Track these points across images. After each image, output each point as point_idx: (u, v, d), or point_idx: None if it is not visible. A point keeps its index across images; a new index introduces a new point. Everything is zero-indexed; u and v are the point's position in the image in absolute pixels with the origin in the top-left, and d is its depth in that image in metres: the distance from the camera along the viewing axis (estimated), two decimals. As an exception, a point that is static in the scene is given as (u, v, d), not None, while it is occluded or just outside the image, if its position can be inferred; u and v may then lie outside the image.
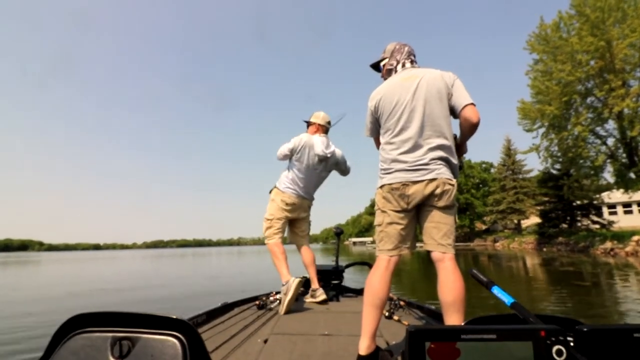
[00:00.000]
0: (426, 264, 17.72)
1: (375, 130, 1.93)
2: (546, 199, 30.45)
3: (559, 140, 20.25)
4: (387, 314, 2.52)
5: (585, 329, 0.71)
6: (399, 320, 2.41)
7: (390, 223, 1.75)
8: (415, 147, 1.72)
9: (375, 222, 1.81)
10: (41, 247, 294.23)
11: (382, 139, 1.86)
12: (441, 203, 1.69)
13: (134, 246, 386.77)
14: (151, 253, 79.61)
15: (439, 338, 0.68)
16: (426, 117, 1.73)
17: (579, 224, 27.43)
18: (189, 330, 0.83)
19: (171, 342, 0.80)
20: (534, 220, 35.75)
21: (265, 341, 1.99)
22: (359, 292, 3.52)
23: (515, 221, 38.73)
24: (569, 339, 0.70)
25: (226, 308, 2.88)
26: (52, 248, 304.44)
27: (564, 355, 0.67)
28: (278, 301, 3.02)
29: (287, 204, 3.18)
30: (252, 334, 2.14)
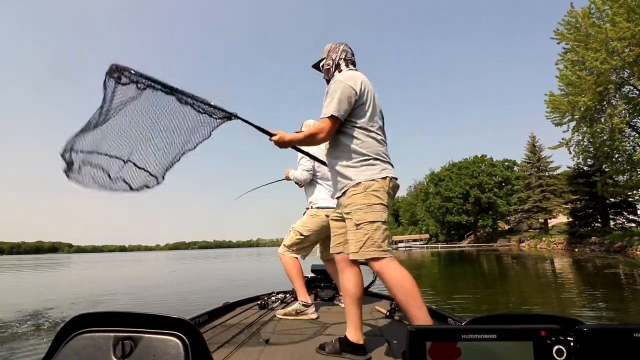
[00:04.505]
0: (423, 264, 17.05)
1: (346, 114, 1.77)
2: (576, 196, 29.01)
3: (592, 133, 19.11)
4: (387, 313, 2.53)
5: (585, 329, 0.71)
6: (399, 320, 2.42)
7: (386, 221, 1.70)
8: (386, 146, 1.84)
9: (374, 218, 1.64)
10: (70, 249, 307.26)
11: (359, 128, 1.76)
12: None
13: (157, 247, 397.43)
14: (174, 254, 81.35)
15: (440, 338, 0.68)
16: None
17: (612, 223, 25.92)
18: (190, 330, 0.83)
19: (173, 342, 0.80)
20: (561, 219, 34.20)
21: (267, 341, 2.00)
22: None
23: (542, 220, 37.18)
24: (569, 338, 0.70)
25: (228, 308, 2.90)
26: (80, 250, 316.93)
27: (564, 355, 0.68)
28: (279, 301, 3.09)
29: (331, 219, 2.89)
30: (253, 334, 2.16)
